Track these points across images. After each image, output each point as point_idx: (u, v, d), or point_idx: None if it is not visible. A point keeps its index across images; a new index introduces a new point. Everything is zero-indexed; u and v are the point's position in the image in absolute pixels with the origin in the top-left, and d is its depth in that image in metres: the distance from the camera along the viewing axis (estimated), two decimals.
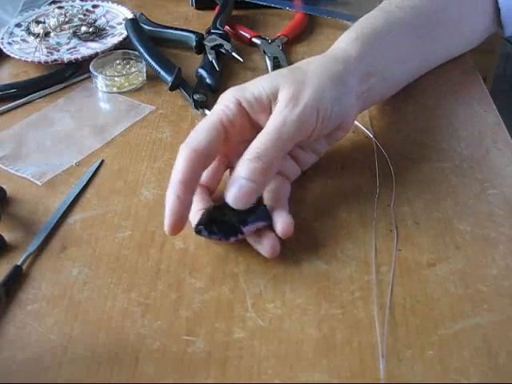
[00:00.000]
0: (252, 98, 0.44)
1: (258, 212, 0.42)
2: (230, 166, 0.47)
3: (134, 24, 0.68)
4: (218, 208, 0.43)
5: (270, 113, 0.44)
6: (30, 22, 0.72)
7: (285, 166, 0.47)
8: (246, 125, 0.45)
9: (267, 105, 0.44)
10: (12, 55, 0.66)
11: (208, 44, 0.67)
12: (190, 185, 0.42)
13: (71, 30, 0.72)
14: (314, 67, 0.47)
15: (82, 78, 0.65)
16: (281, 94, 0.44)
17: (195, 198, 0.43)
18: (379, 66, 0.51)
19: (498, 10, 0.60)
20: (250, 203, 0.42)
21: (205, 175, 0.45)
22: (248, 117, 0.45)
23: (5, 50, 0.67)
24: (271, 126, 0.42)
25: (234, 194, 0.41)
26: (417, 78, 0.59)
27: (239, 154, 0.43)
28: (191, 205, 0.42)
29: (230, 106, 0.44)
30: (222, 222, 0.42)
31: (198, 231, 0.42)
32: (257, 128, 0.44)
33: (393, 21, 0.53)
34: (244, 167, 0.41)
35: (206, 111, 0.58)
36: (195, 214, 0.43)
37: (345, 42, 0.50)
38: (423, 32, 0.55)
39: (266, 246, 0.42)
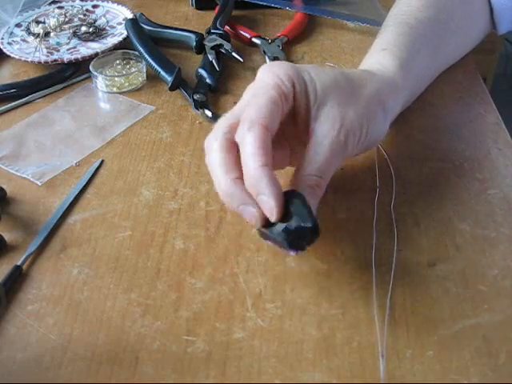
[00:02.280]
0: (304, 87, 0.41)
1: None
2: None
3: (134, 24, 0.68)
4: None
5: (308, 114, 0.42)
6: (29, 22, 0.72)
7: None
8: (289, 113, 0.42)
9: (308, 101, 0.42)
10: (12, 55, 0.66)
11: (208, 44, 0.67)
12: (271, 167, 0.37)
13: (71, 30, 0.72)
14: (366, 92, 0.45)
15: (81, 77, 0.65)
16: (333, 111, 0.41)
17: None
18: (414, 88, 0.53)
19: (491, 10, 0.60)
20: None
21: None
22: (295, 103, 0.42)
23: (5, 50, 0.67)
24: (326, 154, 0.40)
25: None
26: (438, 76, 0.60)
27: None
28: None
29: (285, 83, 0.41)
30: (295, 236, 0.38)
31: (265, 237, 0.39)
32: (295, 121, 0.43)
33: (417, 37, 0.54)
34: (308, 185, 0.40)
35: (206, 111, 0.58)
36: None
37: (389, 70, 0.50)
38: (438, 43, 0.56)
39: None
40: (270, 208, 0.37)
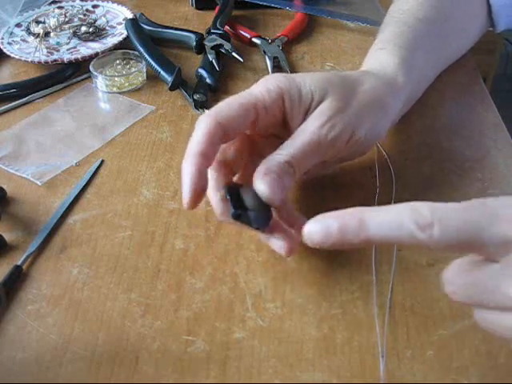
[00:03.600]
0: (297, 97, 0.42)
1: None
2: (255, 153, 0.45)
3: (134, 24, 0.68)
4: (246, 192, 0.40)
5: (305, 115, 0.42)
6: (30, 22, 0.72)
7: None
8: (278, 118, 0.43)
9: (307, 108, 0.42)
10: (12, 55, 0.66)
11: (208, 44, 0.67)
12: (209, 158, 0.39)
13: (71, 30, 0.72)
14: (363, 91, 0.45)
15: (81, 77, 0.65)
16: (322, 107, 0.42)
17: (217, 176, 0.41)
18: (416, 88, 0.52)
19: (489, 8, 0.61)
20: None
21: (230, 154, 0.43)
22: (282, 112, 0.43)
23: (5, 50, 0.67)
24: (302, 141, 0.40)
25: (268, 184, 0.38)
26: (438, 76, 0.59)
27: (265, 146, 0.42)
28: (207, 179, 0.40)
29: (271, 94, 0.41)
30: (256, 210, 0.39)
31: (236, 217, 0.39)
32: (286, 125, 0.43)
33: (416, 35, 0.53)
34: (275, 165, 0.39)
35: (206, 111, 0.58)
36: (215, 192, 0.41)
37: (390, 67, 0.49)
38: (438, 41, 0.56)
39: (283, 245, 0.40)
40: (184, 192, 0.39)
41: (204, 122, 0.40)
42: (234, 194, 0.40)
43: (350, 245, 0.31)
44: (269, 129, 0.44)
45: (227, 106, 0.41)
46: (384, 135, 0.48)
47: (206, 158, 0.39)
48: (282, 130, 0.44)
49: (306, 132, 0.41)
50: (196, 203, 0.39)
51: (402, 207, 0.30)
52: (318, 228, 0.32)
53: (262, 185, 0.38)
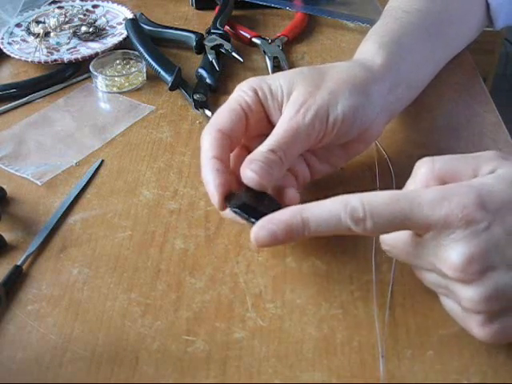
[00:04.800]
0: (268, 92, 0.44)
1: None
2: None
3: (134, 24, 0.68)
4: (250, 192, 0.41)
5: (282, 111, 0.43)
6: (30, 22, 0.72)
7: (296, 168, 0.46)
8: (263, 117, 0.44)
9: (281, 102, 0.44)
10: (12, 55, 0.66)
11: (208, 44, 0.67)
12: (223, 161, 0.41)
13: (71, 30, 0.72)
14: (335, 72, 0.45)
15: (81, 78, 0.65)
16: (294, 96, 0.43)
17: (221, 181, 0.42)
18: (404, 74, 0.50)
19: (487, 5, 0.61)
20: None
21: (231, 161, 0.44)
22: (263, 108, 0.44)
23: (5, 50, 0.67)
24: (282, 129, 0.42)
25: (255, 171, 0.40)
26: (437, 76, 0.58)
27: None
28: (228, 179, 0.41)
29: (248, 93, 0.44)
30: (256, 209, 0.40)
31: (234, 211, 0.40)
32: (271, 123, 0.44)
33: (406, 26, 0.53)
34: (259, 154, 0.40)
35: (206, 111, 0.58)
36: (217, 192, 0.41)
37: (368, 52, 0.49)
38: (431, 33, 0.55)
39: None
40: (211, 194, 0.40)
41: (207, 133, 0.42)
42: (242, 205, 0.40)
43: (294, 240, 0.38)
44: (261, 130, 0.45)
45: (219, 115, 0.43)
46: (377, 125, 0.46)
47: (220, 160, 0.41)
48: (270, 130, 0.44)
49: (284, 121, 0.42)
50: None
51: (338, 203, 0.35)
52: (264, 232, 0.36)
53: (248, 172, 0.40)
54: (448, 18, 0.57)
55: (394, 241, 0.36)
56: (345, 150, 0.47)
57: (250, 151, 0.44)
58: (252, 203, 0.40)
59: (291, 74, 0.45)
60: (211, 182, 0.40)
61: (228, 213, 0.41)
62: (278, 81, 0.44)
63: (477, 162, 0.36)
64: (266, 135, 0.43)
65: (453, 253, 0.32)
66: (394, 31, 0.52)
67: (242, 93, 0.44)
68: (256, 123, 0.44)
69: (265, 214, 0.37)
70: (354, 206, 0.34)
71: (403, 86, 0.50)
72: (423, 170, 0.36)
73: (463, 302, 0.33)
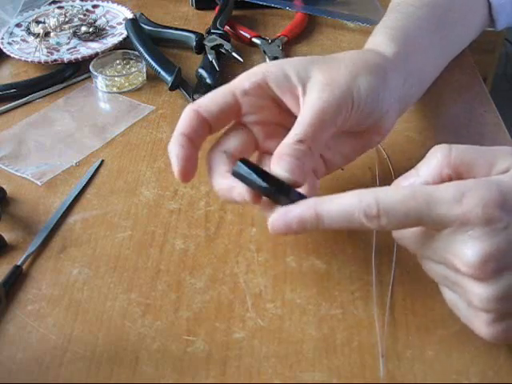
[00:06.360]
0: (281, 75, 0.42)
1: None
2: (262, 148, 0.45)
3: (134, 24, 0.68)
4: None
5: (297, 95, 0.42)
6: (30, 22, 0.72)
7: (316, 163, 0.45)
8: (270, 105, 0.43)
9: (295, 85, 0.42)
10: (12, 55, 0.66)
11: (208, 44, 0.67)
12: (191, 139, 0.41)
13: (71, 30, 0.72)
14: (350, 55, 0.45)
15: (81, 77, 0.65)
16: (315, 78, 0.42)
17: (222, 166, 0.41)
18: (416, 66, 0.49)
19: (489, 6, 0.61)
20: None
21: (233, 146, 0.43)
22: (272, 95, 0.43)
23: (5, 50, 0.67)
24: (308, 113, 0.40)
25: (286, 167, 0.38)
26: (438, 76, 0.57)
27: (273, 138, 0.42)
28: (197, 157, 0.41)
29: (251, 79, 0.42)
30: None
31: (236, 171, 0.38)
32: (285, 110, 0.43)
33: (414, 19, 0.52)
34: (286, 147, 0.39)
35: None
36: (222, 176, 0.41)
37: (380, 44, 0.48)
38: (438, 27, 0.54)
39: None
40: (173, 164, 0.41)
41: (185, 111, 0.42)
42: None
43: (308, 232, 0.39)
44: (273, 118, 0.44)
45: (205, 96, 0.43)
46: (393, 114, 0.45)
47: (187, 137, 0.41)
48: (287, 119, 0.43)
49: (308, 107, 0.41)
50: (187, 175, 0.40)
51: (353, 198, 0.34)
52: (280, 222, 0.36)
53: (280, 170, 0.38)
54: (452, 12, 0.57)
55: (407, 231, 0.36)
56: (358, 140, 0.46)
57: (261, 142, 0.44)
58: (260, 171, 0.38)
59: (305, 59, 0.44)
60: (173, 153, 0.40)
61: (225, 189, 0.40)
62: (292, 64, 0.43)
63: (493, 157, 0.35)
64: (281, 124, 0.42)
65: (469, 250, 0.32)
66: (403, 25, 0.51)
67: (244, 78, 0.43)
68: (261, 110, 0.43)
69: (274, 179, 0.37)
70: (368, 203, 0.33)
71: (415, 78, 0.49)
72: (439, 155, 0.35)
73: (473, 298, 0.33)
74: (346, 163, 0.47)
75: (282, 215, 0.36)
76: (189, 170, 0.41)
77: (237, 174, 0.38)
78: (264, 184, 0.37)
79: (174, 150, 0.41)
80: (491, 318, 0.33)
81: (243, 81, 0.43)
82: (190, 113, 0.42)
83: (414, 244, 0.36)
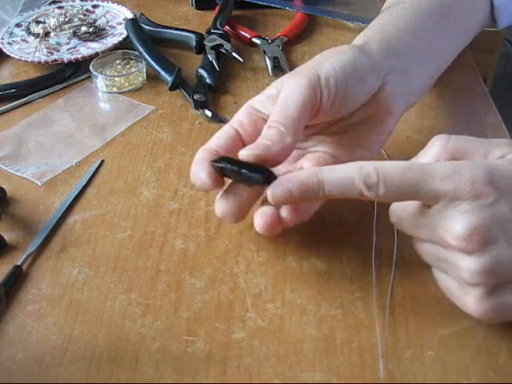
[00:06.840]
0: (263, 96, 0.44)
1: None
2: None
3: (134, 24, 0.68)
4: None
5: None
6: (30, 22, 0.72)
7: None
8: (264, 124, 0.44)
9: (275, 93, 0.43)
10: (12, 55, 0.66)
11: (208, 44, 0.67)
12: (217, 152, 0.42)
13: (71, 30, 0.72)
14: (327, 50, 0.45)
15: (81, 77, 0.65)
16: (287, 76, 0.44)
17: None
18: (404, 46, 0.48)
19: (491, 5, 0.60)
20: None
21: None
22: (262, 116, 0.43)
23: (5, 50, 0.67)
24: (280, 98, 0.41)
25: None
26: (444, 70, 0.56)
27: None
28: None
29: (243, 112, 0.44)
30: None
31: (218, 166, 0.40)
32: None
33: (416, 9, 0.52)
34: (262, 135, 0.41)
35: (206, 111, 0.58)
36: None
37: (358, 38, 0.49)
38: (441, 17, 0.54)
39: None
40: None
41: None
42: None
43: (309, 200, 0.40)
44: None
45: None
46: (382, 85, 0.45)
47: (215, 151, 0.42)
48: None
49: (292, 91, 0.41)
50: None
51: (353, 167, 0.36)
52: (281, 188, 0.37)
53: (245, 151, 0.39)
54: (455, 11, 0.57)
55: (403, 212, 0.37)
56: (367, 126, 0.45)
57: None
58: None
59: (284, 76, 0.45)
60: (197, 171, 0.41)
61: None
62: (273, 86, 0.44)
63: (488, 146, 0.38)
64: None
65: (458, 223, 0.33)
66: (388, 25, 0.50)
67: (238, 116, 0.44)
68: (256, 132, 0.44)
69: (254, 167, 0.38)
70: (368, 171, 0.35)
71: (422, 68, 0.49)
72: (437, 144, 0.38)
73: (462, 273, 0.34)
74: (372, 154, 0.46)
75: (283, 181, 0.37)
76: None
77: (215, 167, 0.40)
78: (235, 167, 0.39)
79: (201, 155, 0.42)
80: (480, 294, 0.34)
81: (238, 117, 0.44)
82: (227, 128, 0.43)
83: (409, 225, 0.37)
